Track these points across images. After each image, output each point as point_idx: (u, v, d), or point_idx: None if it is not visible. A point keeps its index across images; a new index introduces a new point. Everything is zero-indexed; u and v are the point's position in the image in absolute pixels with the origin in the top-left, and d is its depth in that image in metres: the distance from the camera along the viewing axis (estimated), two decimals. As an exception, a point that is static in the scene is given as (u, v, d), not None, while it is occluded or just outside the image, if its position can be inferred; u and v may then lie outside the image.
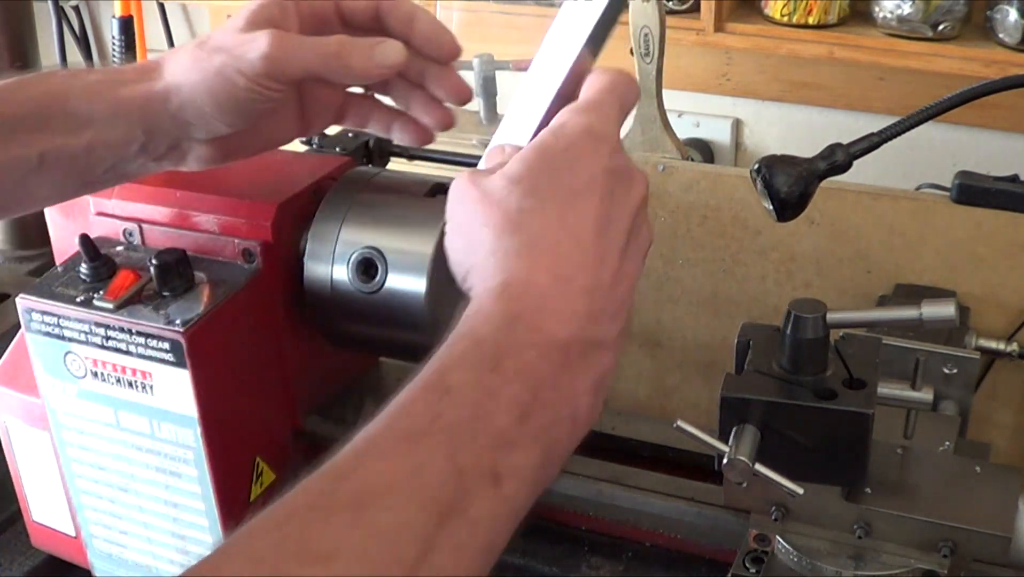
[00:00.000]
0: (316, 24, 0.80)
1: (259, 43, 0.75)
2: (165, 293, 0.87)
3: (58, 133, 0.79)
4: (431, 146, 0.97)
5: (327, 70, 0.76)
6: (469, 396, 0.55)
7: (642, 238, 0.66)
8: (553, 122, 0.65)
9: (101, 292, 0.87)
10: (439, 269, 0.87)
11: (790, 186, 0.79)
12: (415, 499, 0.51)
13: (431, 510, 0.51)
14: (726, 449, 0.75)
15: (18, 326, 0.92)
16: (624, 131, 1.32)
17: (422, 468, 0.52)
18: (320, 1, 0.80)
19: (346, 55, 0.76)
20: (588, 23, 0.68)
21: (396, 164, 1.02)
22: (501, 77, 1.28)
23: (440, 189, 0.91)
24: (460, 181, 0.65)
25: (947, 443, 0.87)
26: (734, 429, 0.77)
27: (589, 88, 0.67)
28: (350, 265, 0.89)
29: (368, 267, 0.88)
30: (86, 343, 0.88)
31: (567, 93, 0.68)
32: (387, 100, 0.85)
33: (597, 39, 0.69)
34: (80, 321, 0.88)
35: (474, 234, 0.63)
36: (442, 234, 0.85)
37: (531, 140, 0.66)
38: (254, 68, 0.75)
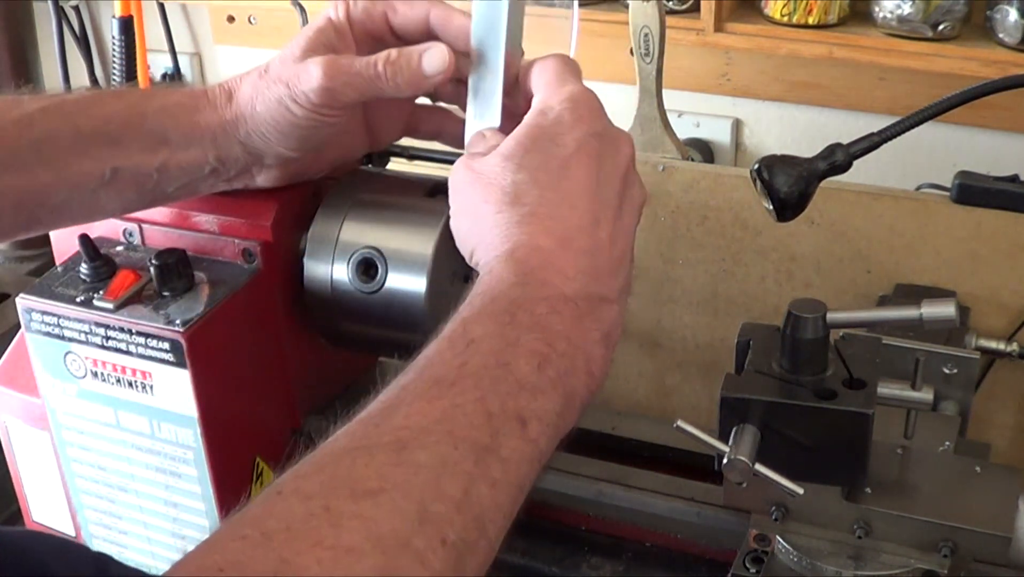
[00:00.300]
0: (371, 41, 0.83)
1: (312, 74, 0.78)
2: (165, 293, 0.87)
3: (133, 151, 0.82)
4: (431, 146, 0.97)
5: (378, 90, 0.79)
6: (491, 346, 0.59)
7: (634, 196, 0.71)
8: (535, 106, 0.70)
9: (101, 292, 0.87)
10: (439, 269, 0.87)
11: (790, 186, 0.79)
12: (450, 439, 0.55)
13: (466, 448, 0.55)
14: (726, 449, 0.75)
15: (18, 326, 0.92)
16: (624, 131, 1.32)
17: (454, 410, 0.56)
18: (372, 18, 0.82)
19: (392, 72, 0.78)
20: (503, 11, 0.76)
21: (396, 164, 1.02)
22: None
23: (440, 188, 0.91)
24: (458, 166, 0.70)
25: (947, 443, 0.87)
26: (734, 429, 0.77)
27: (548, 65, 0.73)
28: (350, 265, 0.89)
29: (368, 267, 0.88)
30: (86, 343, 0.88)
31: (511, 72, 0.77)
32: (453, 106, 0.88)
33: (516, 18, 0.77)
34: (80, 321, 0.88)
35: (476, 212, 0.68)
36: (443, 233, 0.86)
37: (499, 115, 0.75)
38: (309, 98, 0.78)
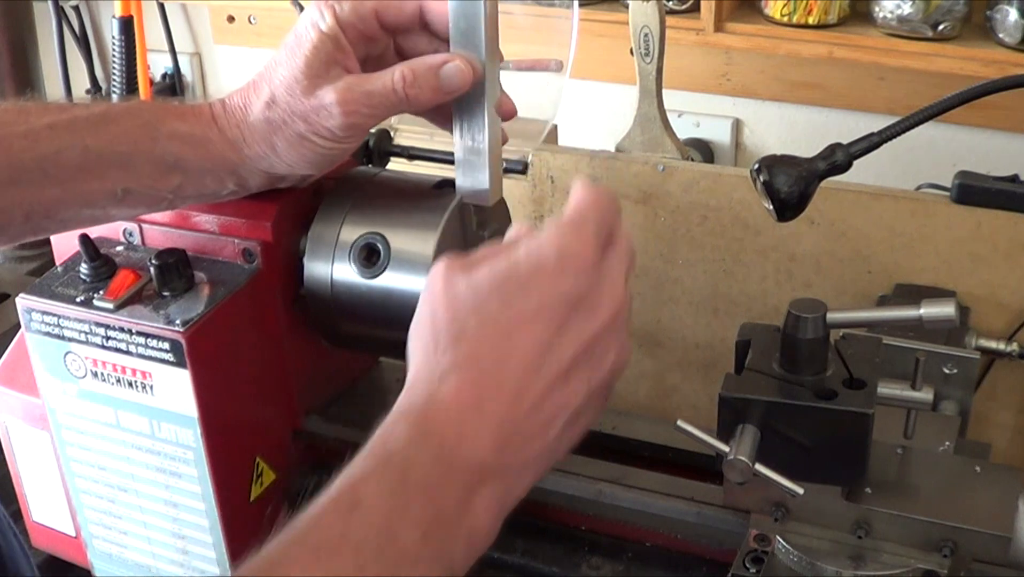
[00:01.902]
0: (363, 41, 0.82)
1: (332, 112, 0.78)
2: (165, 293, 0.87)
3: (143, 174, 0.82)
4: (431, 146, 0.97)
5: (399, 110, 0.80)
6: (377, 512, 0.57)
7: (600, 363, 0.65)
8: (532, 238, 0.65)
9: (101, 292, 0.88)
10: (443, 250, 0.87)
11: (790, 186, 0.79)
12: None
13: None
14: (726, 449, 0.75)
15: (18, 326, 0.92)
16: (624, 131, 1.32)
17: None
18: (362, 19, 0.80)
19: (414, 93, 0.79)
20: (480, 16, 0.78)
21: (396, 164, 1.02)
22: (501, 77, 1.28)
23: (446, 184, 0.91)
24: (440, 267, 0.66)
25: (947, 443, 0.87)
26: (734, 429, 0.77)
27: (573, 202, 0.67)
28: (352, 251, 0.89)
29: (370, 253, 0.88)
30: (86, 343, 0.88)
31: (495, 78, 0.80)
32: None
33: (492, 23, 0.79)
34: (80, 321, 0.88)
35: (422, 334, 0.65)
36: (447, 225, 0.86)
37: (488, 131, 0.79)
38: (334, 133, 0.79)
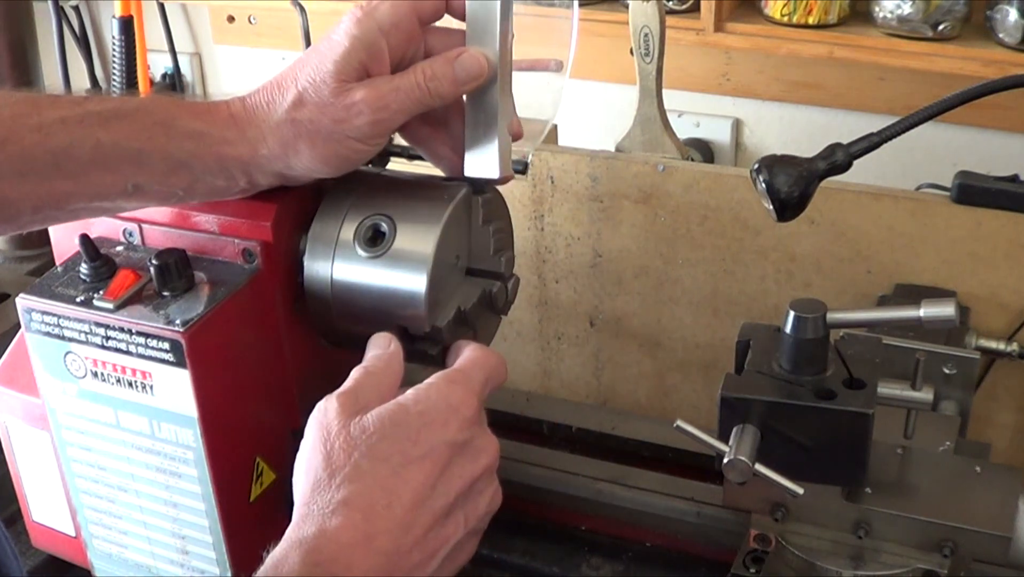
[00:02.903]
0: (407, 41, 0.82)
1: (360, 112, 0.79)
2: (165, 293, 0.87)
3: (155, 172, 0.81)
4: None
5: (424, 105, 0.81)
6: None
7: (478, 504, 0.73)
8: (421, 385, 0.73)
9: (101, 292, 0.87)
10: (444, 251, 0.86)
11: (790, 186, 0.79)
12: None
13: None
14: (726, 449, 0.75)
15: (18, 326, 0.92)
16: (624, 131, 1.32)
17: None
18: (399, 24, 0.81)
19: (435, 88, 0.80)
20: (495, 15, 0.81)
21: (396, 164, 1.02)
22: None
23: (451, 180, 0.91)
24: (332, 404, 0.73)
25: (947, 443, 0.87)
26: (734, 429, 0.77)
27: (463, 359, 0.77)
28: (358, 232, 0.89)
29: (376, 233, 0.88)
30: (86, 343, 0.88)
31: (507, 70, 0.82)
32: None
33: (506, 20, 0.81)
34: (80, 321, 0.88)
35: (311, 468, 0.70)
36: (451, 215, 0.86)
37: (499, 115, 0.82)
38: (363, 133, 0.80)
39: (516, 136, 0.87)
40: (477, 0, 0.81)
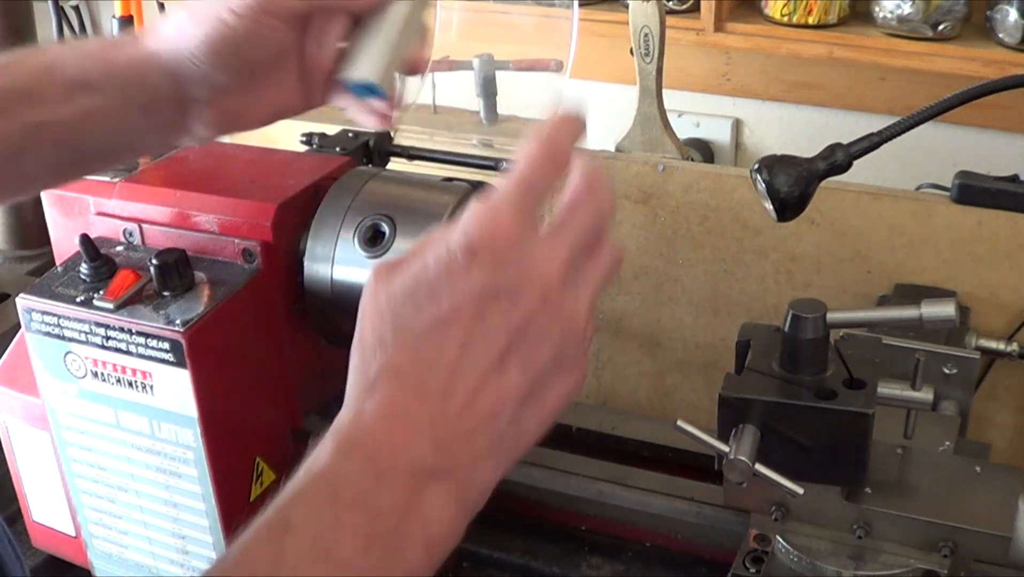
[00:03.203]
0: None
1: None
2: (165, 293, 0.87)
3: (47, 103, 0.75)
4: (431, 146, 0.97)
5: None
6: (310, 532, 0.55)
7: (535, 345, 0.62)
8: (447, 230, 0.62)
9: (101, 292, 0.87)
10: None
11: (790, 186, 0.79)
12: None
13: None
14: (726, 449, 0.75)
15: (18, 326, 0.92)
16: (624, 131, 1.32)
17: None
18: None
19: None
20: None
21: (396, 164, 1.02)
22: (501, 77, 1.28)
23: (453, 180, 0.91)
24: (371, 275, 0.63)
25: (947, 443, 0.87)
26: (734, 429, 0.77)
27: (519, 162, 0.62)
28: (357, 232, 0.88)
29: (376, 234, 0.88)
30: (86, 343, 0.88)
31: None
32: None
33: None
34: (80, 321, 0.88)
35: (355, 345, 0.63)
36: (451, 215, 0.86)
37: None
38: (246, 4, 0.73)
39: (415, 67, 0.80)
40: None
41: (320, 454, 0.59)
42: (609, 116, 1.54)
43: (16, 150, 0.76)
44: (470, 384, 0.60)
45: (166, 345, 0.85)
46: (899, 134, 0.80)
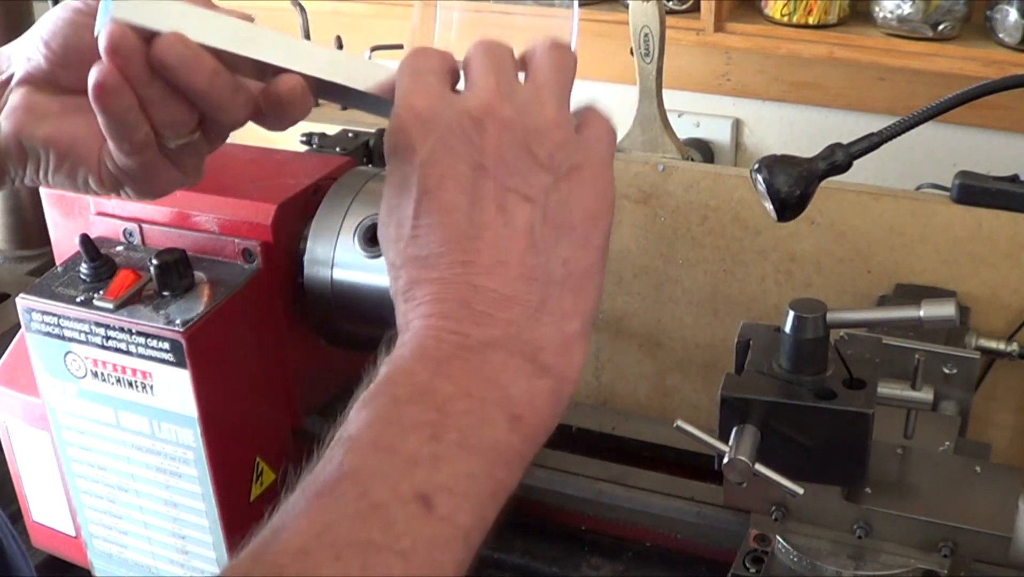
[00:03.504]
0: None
1: None
2: (165, 293, 0.87)
3: None
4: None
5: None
6: (368, 434, 0.53)
7: (507, 173, 0.57)
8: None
9: (101, 292, 0.87)
10: None
11: (790, 186, 0.79)
12: (330, 551, 0.49)
13: (350, 556, 0.49)
14: (726, 449, 0.75)
15: (18, 326, 0.92)
16: (624, 131, 1.32)
17: (333, 519, 0.50)
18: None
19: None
20: None
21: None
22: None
23: None
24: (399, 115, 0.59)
25: (947, 443, 0.87)
26: (734, 429, 0.77)
27: (476, 53, 0.61)
28: (357, 232, 0.88)
29: (375, 234, 0.88)
30: (86, 343, 0.88)
31: None
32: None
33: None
34: (80, 321, 0.88)
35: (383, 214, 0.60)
36: None
37: None
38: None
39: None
40: None
41: (374, 372, 0.57)
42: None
43: None
44: (494, 229, 0.56)
45: (166, 345, 0.85)
46: (899, 134, 0.80)
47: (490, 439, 0.54)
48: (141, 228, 0.93)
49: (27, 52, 0.68)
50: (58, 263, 0.94)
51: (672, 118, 1.33)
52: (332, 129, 1.11)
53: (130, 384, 0.88)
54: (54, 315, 0.89)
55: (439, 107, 0.58)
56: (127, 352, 0.87)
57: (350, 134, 1.09)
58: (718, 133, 1.55)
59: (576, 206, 0.58)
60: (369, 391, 0.56)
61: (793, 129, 1.52)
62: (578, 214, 0.58)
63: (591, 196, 0.59)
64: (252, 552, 0.51)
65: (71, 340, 0.89)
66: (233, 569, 0.50)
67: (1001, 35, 1.28)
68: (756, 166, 0.81)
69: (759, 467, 0.75)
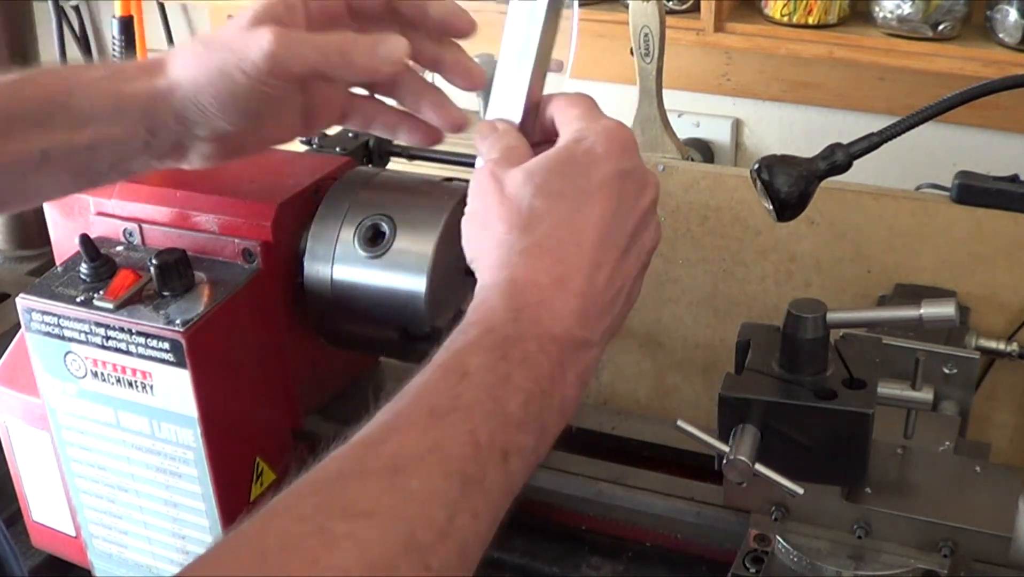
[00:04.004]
0: (325, 21, 0.78)
1: (261, 40, 0.73)
2: (165, 293, 0.87)
3: (61, 129, 0.78)
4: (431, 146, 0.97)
5: (330, 67, 0.75)
6: (484, 380, 0.61)
7: (646, 239, 0.71)
8: (570, 130, 0.70)
9: (101, 292, 0.87)
10: (443, 252, 0.86)
11: (790, 186, 0.79)
12: (441, 468, 0.56)
13: (455, 479, 0.56)
14: (726, 449, 0.75)
15: (18, 326, 0.92)
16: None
17: (447, 441, 0.57)
18: None
19: (349, 52, 0.75)
20: (540, 14, 0.76)
21: (396, 164, 1.02)
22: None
23: (451, 180, 0.91)
24: (482, 171, 0.70)
25: (947, 443, 0.87)
26: (734, 429, 0.77)
27: (583, 102, 0.73)
28: (358, 232, 0.88)
29: (376, 234, 0.88)
30: (86, 343, 0.88)
31: (540, 72, 0.76)
32: (392, 102, 0.84)
33: (551, 24, 0.77)
34: (80, 321, 0.88)
35: (487, 223, 0.68)
36: (451, 215, 0.86)
37: (521, 115, 0.74)
38: (256, 66, 0.74)
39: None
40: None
41: (489, 308, 0.65)
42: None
43: (27, 170, 0.79)
44: (612, 258, 0.68)
45: (166, 345, 0.85)
46: (899, 134, 0.80)
47: (547, 422, 0.63)
48: (141, 228, 0.93)
49: (199, 116, 0.77)
50: (58, 263, 0.94)
51: (672, 118, 1.33)
52: (332, 129, 1.11)
53: (130, 384, 0.88)
54: (54, 315, 0.89)
55: (636, 151, 0.72)
56: (127, 352, 0.87)
57: (350, 134, 1.09)
58: (718, 133, 1.55)
59: (639, 287, 0.72)
60: (489, 323, 0.64)
61: (793, 129, 1.52)
62: (638, 290, 0.72)
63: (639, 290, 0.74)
64: (359, 444, 0.58)
65: (71, 340, 0.89)
66: (343, 460, 0.57)
67: (1001, 35, 1.28)
68: (756, 166, 0.81)
69: (759, 467, 0.75)
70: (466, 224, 0.71)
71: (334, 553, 0.51)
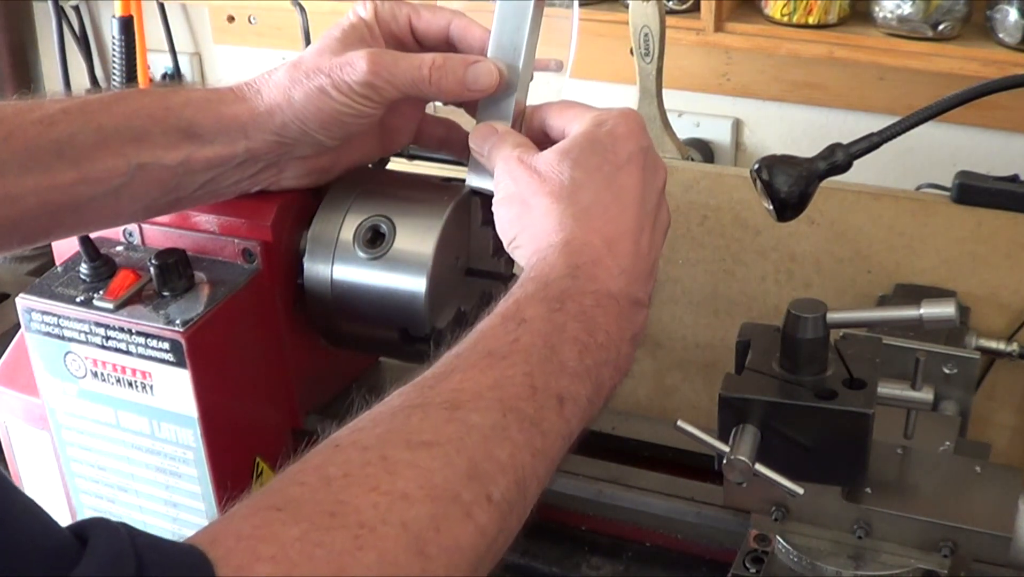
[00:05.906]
0: (393, 43, 0.84)
1: (358, 64, 0.79)
2: (165, 293, 0.87)
3: (156, 146, 0.81)
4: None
5: (421, 90, 0.80)
6: (541, 328, 0.64)
7: (664, 216, 0.76)
8: (588, 114, 0.76)
9: (101, 292, 0.88)
10: (444, 251, 0.86)
11: (790, 186, 0.79)
12: (500, 406, 0.59)
13: (513, 417, 0.59)
14: (726, 449, 0.75)
15: (18, 326, 0.92)
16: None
17: (505, 381, 0.60)
18: (397, 20, 0.84)
19: (439, 76, 0.80)
20: (526, 18, 0.81)
21: (396, 164, 1.02)
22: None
23: (451, 181, 0.91)
24: (508, 160, 0.75)
25: (947, 443, 0.87)
26: (734, 429, 0.77)
27: (580, 106, 0.78)
28: (357, 233, 0.88)
29: (375, 235, 0.88)
30: (86, 343, 0.88)
31: (527, 77, 0.82)
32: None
33: (536, 28, 0.81)
34: (80, 321, 0.88)
35: (527, 202, 0.72)
36: (451, 216, 0.86)
37: (511, 119, 0.80)
38: (352, 88, 0.79)
39: None
40: (508, 9, 0.82)
41: (547, 264, 0.68)
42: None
43: (119, 185, 0.81)
44: (648, 226, 0.73)
45: (166, 345, 0.85)
46: (899, 134, 0.80)
47: (603, 375, 0.67)
48: (141, 228, 0.93)
49: (299, 135, 0.83)
50: (58, 263, 0.94)
51: (672, 118, 1.33)
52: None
53: (130, 384, 0.88)
54: (54, 315, 0.89)
55: (647, 130, 0.79)
56: (127, 352, 0.87)
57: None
58: (718, 133, 1.55)
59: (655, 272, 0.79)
60: (546, 278, 0.67)
61: (793, 129, 1.52)
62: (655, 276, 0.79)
63: None
64: (421, 383, 0.61)
65: (71, 340, 0.89)
66: (404, 396, 0.60)
67: (1001, 35, 1.28)
68: (756, 166, 0.81)
69: (759, 467, 0.75)
70: (501, 207, 0.75)
71: (396, 480, 0.53)
